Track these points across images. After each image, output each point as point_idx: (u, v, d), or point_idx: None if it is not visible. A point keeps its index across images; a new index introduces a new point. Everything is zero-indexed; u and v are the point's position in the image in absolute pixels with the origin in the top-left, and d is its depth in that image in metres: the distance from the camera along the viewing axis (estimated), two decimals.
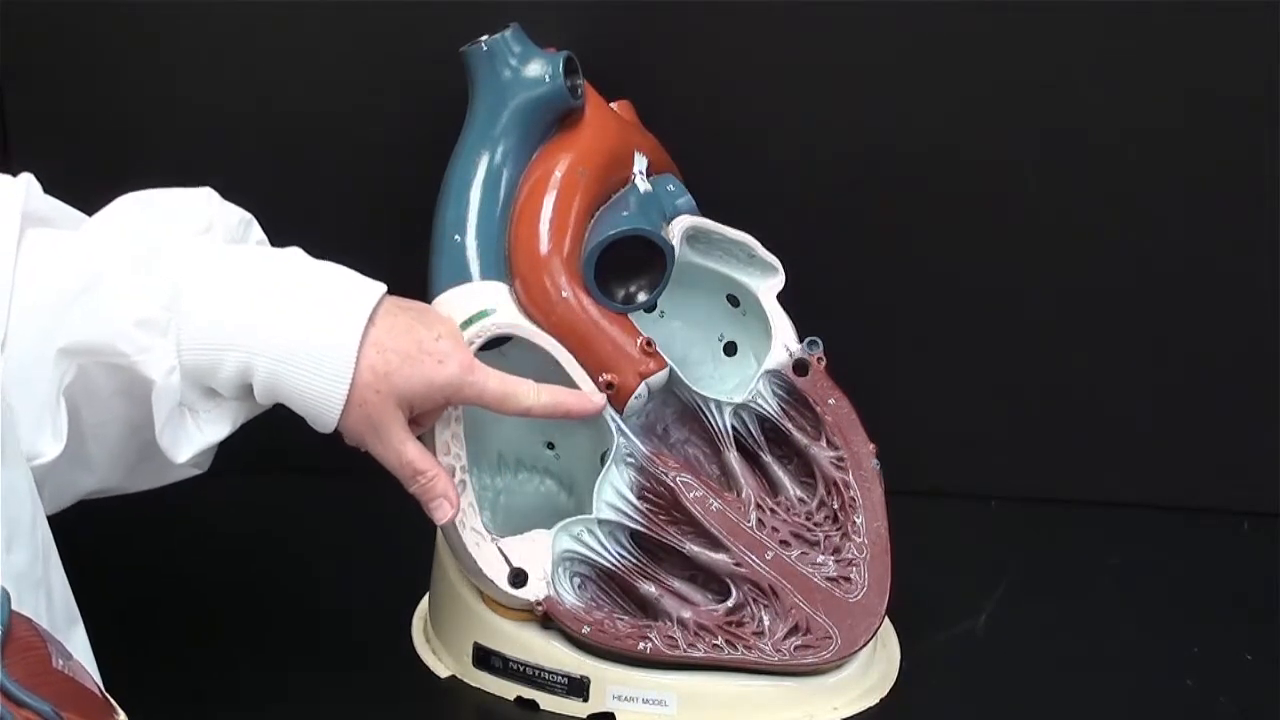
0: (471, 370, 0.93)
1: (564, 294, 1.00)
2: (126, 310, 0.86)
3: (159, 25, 1.16)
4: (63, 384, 0.87)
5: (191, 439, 0.90)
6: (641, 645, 0.98)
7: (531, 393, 0.95)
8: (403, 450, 0.93)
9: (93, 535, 1.08)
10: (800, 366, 1.05)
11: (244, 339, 0.87)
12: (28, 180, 0.91)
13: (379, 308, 0.91)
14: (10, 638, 0.58)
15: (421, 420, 0.96)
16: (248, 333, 0.87)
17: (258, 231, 0.97)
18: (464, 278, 1.00)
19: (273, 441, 1.16)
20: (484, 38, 1.03)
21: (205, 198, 0.95)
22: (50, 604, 0.81)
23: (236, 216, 0.96)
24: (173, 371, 0.87)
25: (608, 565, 1.01)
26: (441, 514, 0.95)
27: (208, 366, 0.88)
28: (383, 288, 0.92)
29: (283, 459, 1.19)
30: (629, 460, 1.02)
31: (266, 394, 0.89)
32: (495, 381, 0.94)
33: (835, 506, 1.04)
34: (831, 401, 1.05)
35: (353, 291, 0.91)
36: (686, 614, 0.99)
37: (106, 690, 0.65)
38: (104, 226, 0.92)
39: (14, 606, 0.60)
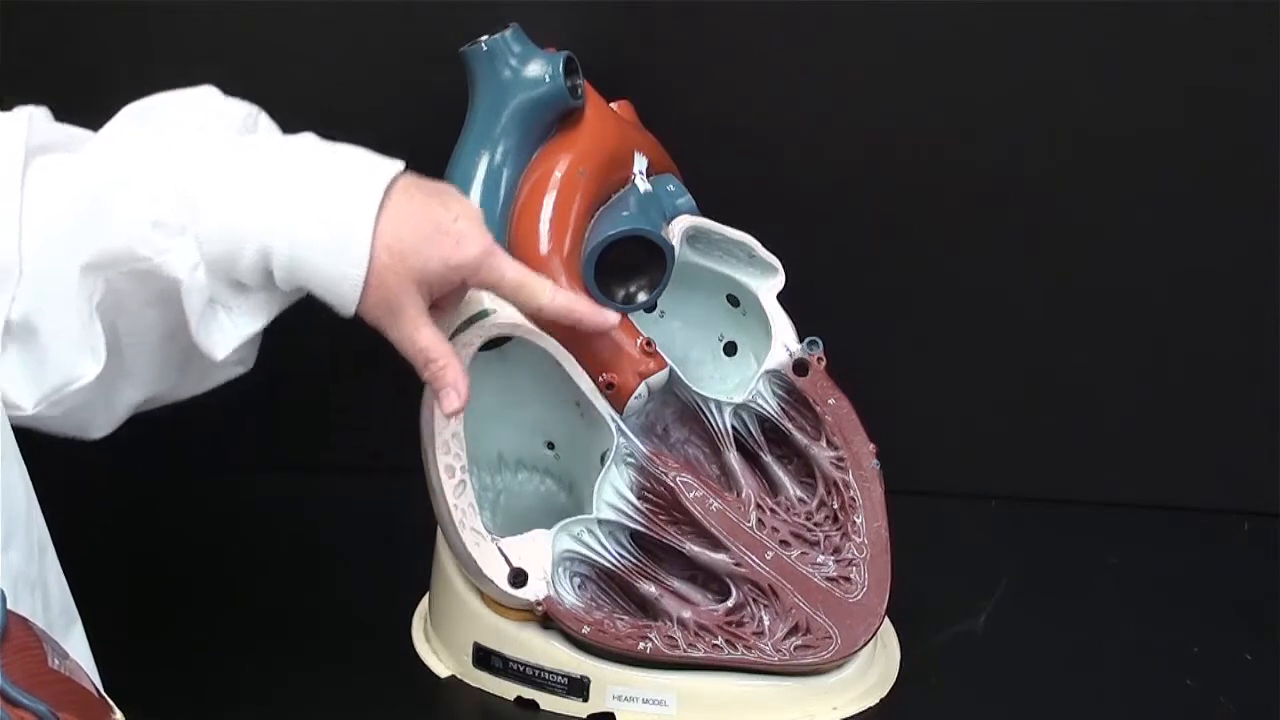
0: (491, 254, 0.91)
1: None
2: (140, 215, 0.86)
3: (159, 25, 1.16)
4: (94, 302, 0.87)
5: (227, 334, 0.90)
6: (641, 645, 0.98)
7: (548, 291, 0.93)
8: (417, 335, 0.90)
9: (91, 534, 1.08)
10: (800, 366, 1.05)
11: (260, 226, 0.86)
12: (31, 113, 0.91)
13: (395, 188, 0.89)
14: (7, 638, 0.58)
15: (442, 305, 0.94)
16: (264, 219, 0.86)
17: (266, 121, 0.96)
18: None
19: (272, 441, 1.16)
20: (484, 38, 1.03)
21: (205, 95, 0.95)
22: (47, 603, 0.81)
23: (243, 110, 0.95)
24: (197, 267, 0.86)
25: (608, 565, 1.01)
26: (448, 403, 0.92)
27: (228, 257, 0.87)
28: (398, 165, 0.90)
29: (282, 459, 1.20)
30: (629, 460, 1.02)
31: (287, 280, 0.88)
32: (514, 271, 0.92)
33: (835, 506, 1.04)
34: (831, 401, 1.05)
35: (367, 172, 0.89)
36: (686, 614, 0.99)
37: (104, 689, 0.65)
38: (108, 140, 0.91)
39: (10, 606, 0.60)
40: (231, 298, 0.89)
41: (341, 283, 0.87)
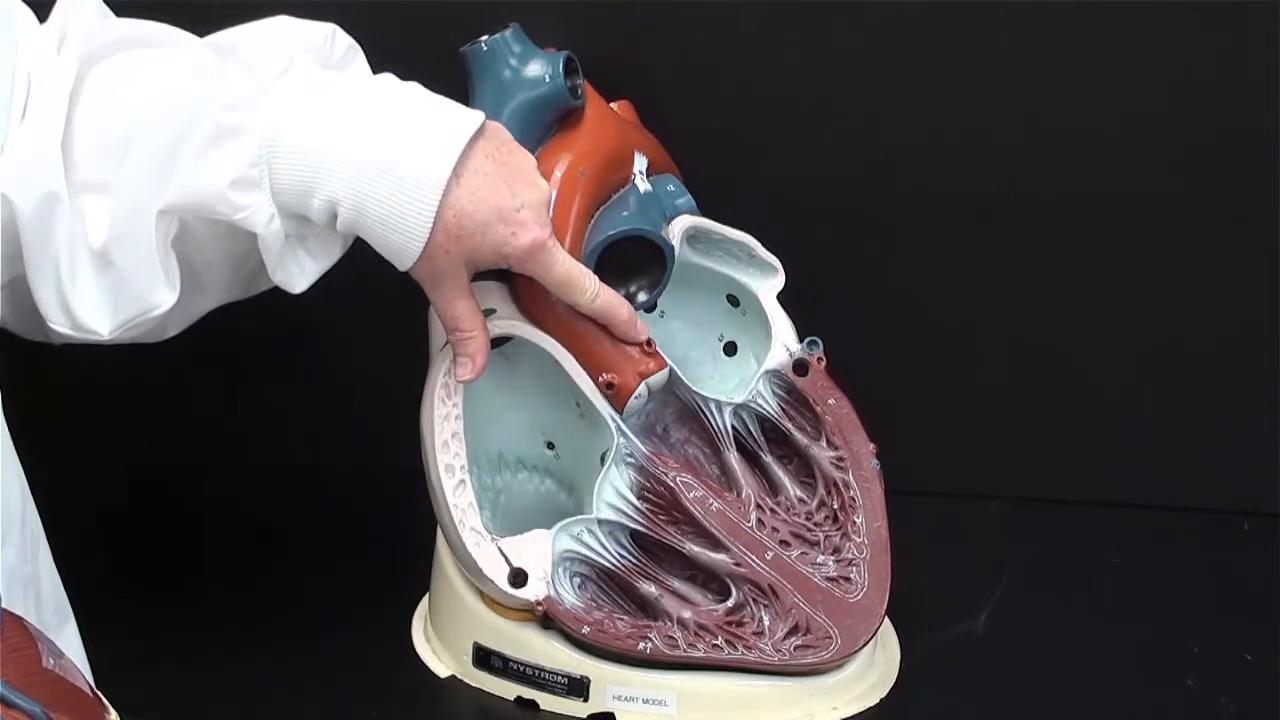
0: (543, 249, 0.94)
1: None
2: (219, 174, 0.88)
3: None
4: (169, 238, 0.90)
5: (305, 269, 0.93)
6: (641, 645, 0.98)
7: (589, 291, 0.97)
8: (454, 304, 0.95)
9: (89, 532, 1.08)
10: (800, 366, 1.05)
11: (328, 184, 0.89)
12: (75, 17, 0.92)
13: (469, 158, 0.91)
14: (1, 638, 0.58)
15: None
16: (332, 179, 0.89)
17: (344, 40, 0.98)
18: None
19: (272, 441, 1.16)
20: (484, 38, 1.03)
21: (281, 25, 0.96)
22: (40, 601, 0.81)
23: (320, 34, 0.96)
24: (272, 219, 0.89)
25: (608, 565, 1.00)
26: (462, 371, 0.98)
27: (299, 205, 0.90)
28: (473, 126, 0.91)
29: (282, 458, 1.19)
30: (629, 460, 1.02)
31: (349, 233, 0.92)
32: (561, 268, 0.95)
33: (835, 506, 1.04)
34: (831, 401, 1.05)
35: (439, 142, 0.90)
36: (686, 614, 0.99)
37: (98, 688, 0.65)
38: (185, 77, 0.92)
39: (5, 604, 0.60)
40: (309, 229, 0.92)
41: (399, 255, 0.91)
